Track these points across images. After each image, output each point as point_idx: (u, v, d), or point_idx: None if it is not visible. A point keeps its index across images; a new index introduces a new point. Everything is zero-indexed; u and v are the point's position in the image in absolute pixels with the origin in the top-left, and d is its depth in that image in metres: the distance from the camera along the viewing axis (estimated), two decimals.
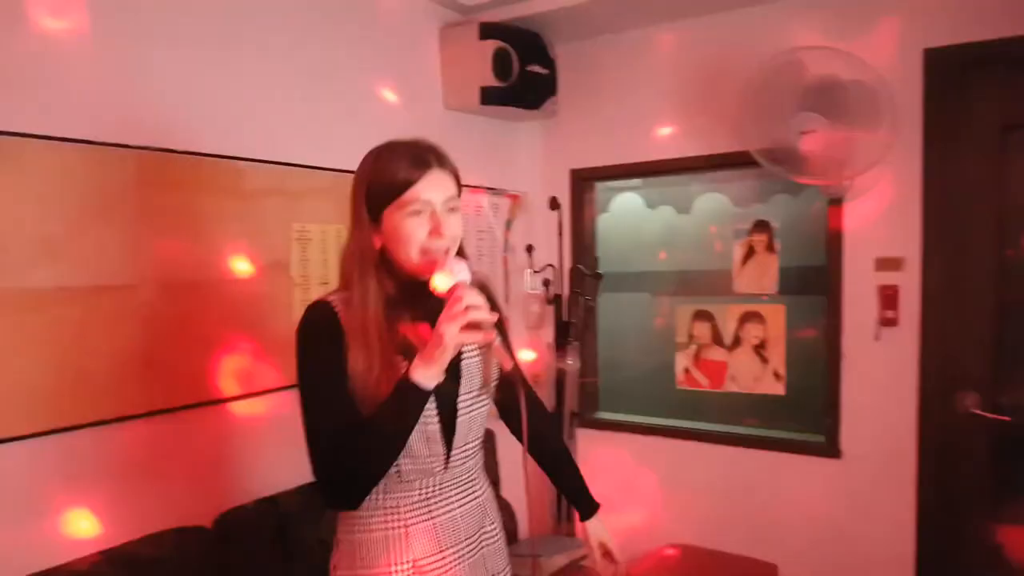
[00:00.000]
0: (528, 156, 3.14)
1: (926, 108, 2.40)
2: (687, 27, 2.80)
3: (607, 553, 1.56)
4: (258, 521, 1.99)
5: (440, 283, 1.18)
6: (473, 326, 1.14)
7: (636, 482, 3.01)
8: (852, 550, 2.59)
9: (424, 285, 1.21)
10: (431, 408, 1.25)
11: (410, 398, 1.17)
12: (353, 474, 1.21)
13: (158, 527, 1.81)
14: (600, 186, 3.16)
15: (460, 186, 1.30)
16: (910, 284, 2.46)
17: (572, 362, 2.81)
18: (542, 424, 1.52)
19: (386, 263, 1.26)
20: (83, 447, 1.70)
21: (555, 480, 1.60)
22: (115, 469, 1.77)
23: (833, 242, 2.58)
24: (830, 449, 2.62)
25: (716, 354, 2.87)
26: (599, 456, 3.08)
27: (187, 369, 1.92)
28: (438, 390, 1.21)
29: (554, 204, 2.78)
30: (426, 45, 2.71)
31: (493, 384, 1.39)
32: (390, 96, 2.54)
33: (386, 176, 1.24)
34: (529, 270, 3.04)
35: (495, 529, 1.44)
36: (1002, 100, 2.32)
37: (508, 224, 3.01)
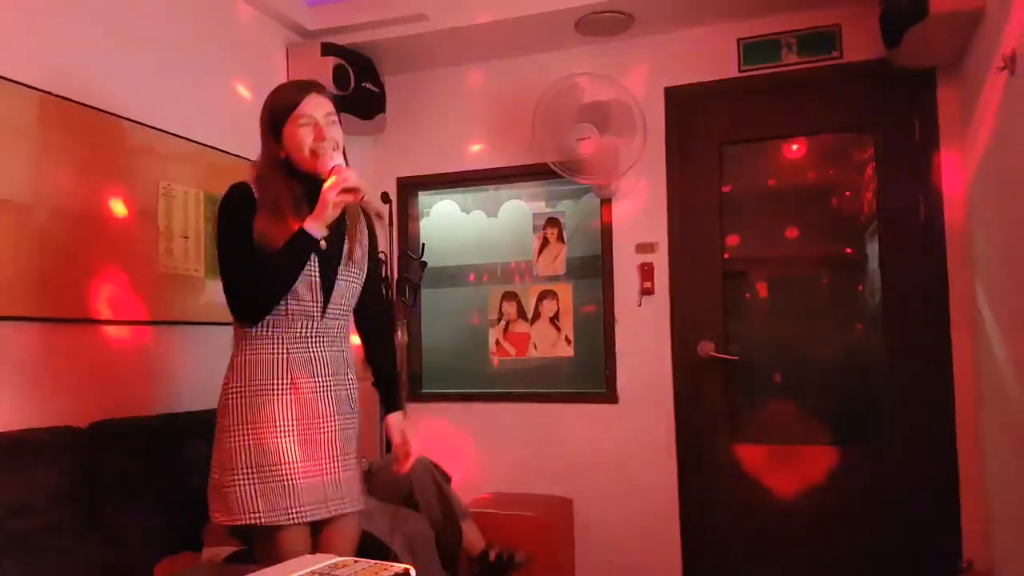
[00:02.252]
0: (360, 163, 3.74)
1: (667, 131, 3.36)
2: (492, 66, 3.63)
3: (405, 441, 1.99)
4: (126, 433, 2.29)
5: (323, 166, 1.74)
6: (348, 191, 1.70)
7: (456, 444, 3.57)
8: (630, 479, 3.32)
9: (318, 182, 1.75)
10: (314, 265, 1.77)
11: (301, 241, 1.71)
12: (255, 294, 1.72)
13: (37, 423, 2.08)
14: (422, 194, 3.83)
15: (336, 108, 1.87)
16: (661, 262, 3.36)
17: (400, 336, 3.36)
18: (380, 320, 2.09)
19: (290, 167, 1.81)
20: None
21: (377, 373, 2.07)
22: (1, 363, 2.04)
23: (605, 232, 3.44)
24: (610, 396, 3.38)
25: (521, 327, 3.59)
26: (424, 425, 3.59)
27: (73, 288, 2.24)
28: (322, 256, 1.76)
29: (385, 198, 3.38)
30: (275, 57, 3.28)
31: (362, 262, 1.92)
32: (245, 93, 3.06)
33: (280, 102, 1.81)
34: None
35: (353, 379, 1.93)
36: (720, 124, 3.33)
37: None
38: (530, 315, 3.59)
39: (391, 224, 3.46)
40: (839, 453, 3.08)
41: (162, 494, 2.34)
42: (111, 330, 2.39)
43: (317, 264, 1.78)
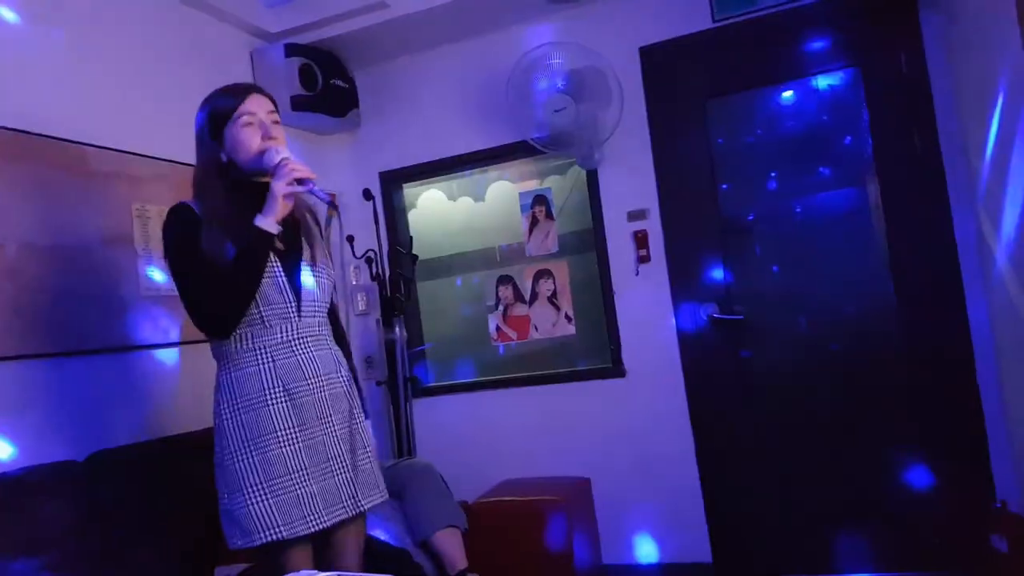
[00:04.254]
0: (339, 163, 3.79)
1: (647, 92, 3.36)
2: (462, 46, 3.64)
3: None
4: (127, 461, 2.37)
5: (270, 160, 1.77)
6: (295, 182, 1.73)
7: (467, 435, 3.63)
8: (647, 452, 3.35)
9: (263, 186, 1.78)
10: (277, 265, 1.79)
11: (254, 240, 1.73)
12: (220, 304, 1.73)
13: (35, 461, 2.15)
14: (406, 186, 3.87)
15: (276, 109, 1.90)
16: (655, 228, 3.36)
17: (399, 332, 3.41)
18: (337, 334, 2.06)
19: (233, 171, 1.83)
20: None
21: None
22: None
23: (594, 203, 3.46)
24: (617, 371, 3.41)
25: (519, 310, 3.63)
26: (433, 419, 3.66)
27: (52, 322, 2.31)
28: (282, 255, 1.80)
29: (367, 195, 3.42)
30: (240, 65, 3.32)
31: (325, 260, 1.95)
32: None
33: (220, 103, 1.83)
34: (353, 263, 3.63)
35: (347, 377, 1.95)
36: (701, 78, 3.31)
37: (328, 222, 3.60)
38: (528, 297, 3.62)
39: (376, 221, 3.50)
40: (855, 406, 3.08)
41: (168, 517, 2.40)
42: (99, 360, 2.46)
43: (279, 264, 1.81)
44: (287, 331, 1.81)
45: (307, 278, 1.87)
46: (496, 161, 3.67)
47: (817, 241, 3.22)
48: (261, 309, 1.78)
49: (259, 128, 1.80)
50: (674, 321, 3.33)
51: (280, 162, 1.75)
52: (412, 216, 3.87)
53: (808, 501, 3.14)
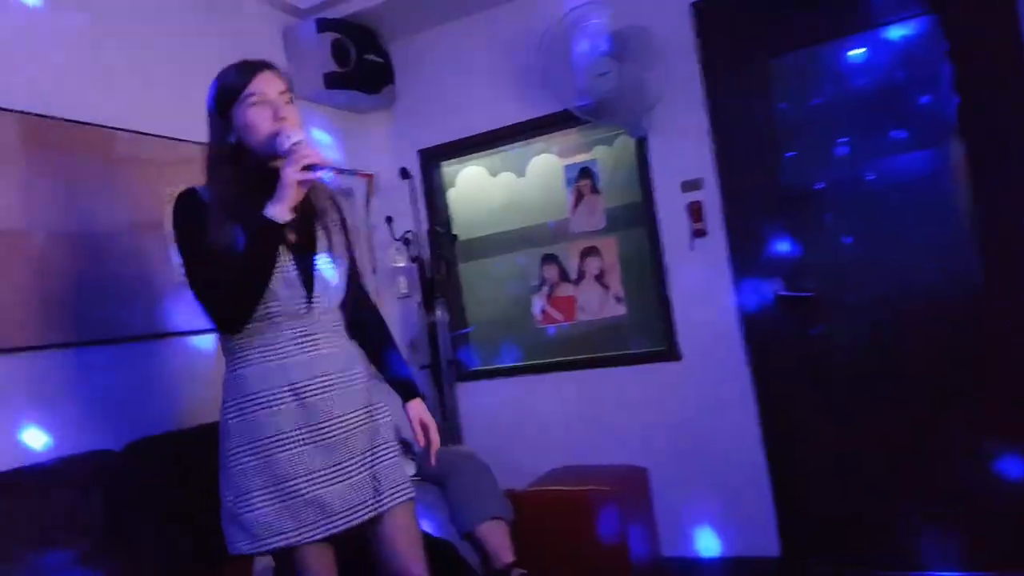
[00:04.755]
0: (377, 140, 3.70)
1: (701, 51, 3.14)
2: (499, 11, 3.48)
3: (426, 431, 1.90)
4: (162, 449, 2.33)
5: (281, 143, 1.61)
6: (307, 168, 1.58)
7: (515, 421, 3.51)
8: (708, 439, 3.16)
9: (274, 171, 1.62)
10: (288, 260, 1.65)
11: (263, 229, 1.58)
12: (228, 297, 1.61)
13: (69, 450, 2.12)
14: (445, 163, 3.74)
15: (290, 88, 1.74)
16: (712, 199, 3.16)
17: (441, 314, 3.31)
18: (367, 313, 1.93)
19: (243, 154, 1.68)
20: None
21: (381, 367, 1.93)
22: (25, 394, 2.09)
23: (644, 174, 3.27)
24: (671, 354, 3.23)
25: (565, 290, 3.48)
26: (478, 405, 3.56)
27: (84, 310, 2.27)
28: (294, 248, 1.66)
29: (405, 174, 3.32)
30: (271, 42, 3.24)
31: (341, 249, 1.80)
32: None
33: (228, 81, 1.69)
34: (394, 245, 3.54)
35: (363, 373, 1.80)
36: (766, 33, 3.06)
37: (367, 201, 3.52)
38: (573, 276, 3.46)
39: (415, 201, 3.39)
40: (938, 388, 2.84)
41: (201, 507, 2.33)
42: (136, 347, 2.42)
43: (290, 256, 1.67)
44: (296, 328, 1.69)
45: (320, 271, 1.73)
46: (539, 133, 3.51)
47: (892, 210, 2.93)
48: (269, 305, 1.65)
49: (269, 108, 1.66)
50: (734, 299, 3.13)
51: (291, 147, 1.60)
52: (451, 194, 3.75)
53: (887, 493, 2.90)
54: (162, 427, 2.39)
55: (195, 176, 2.63)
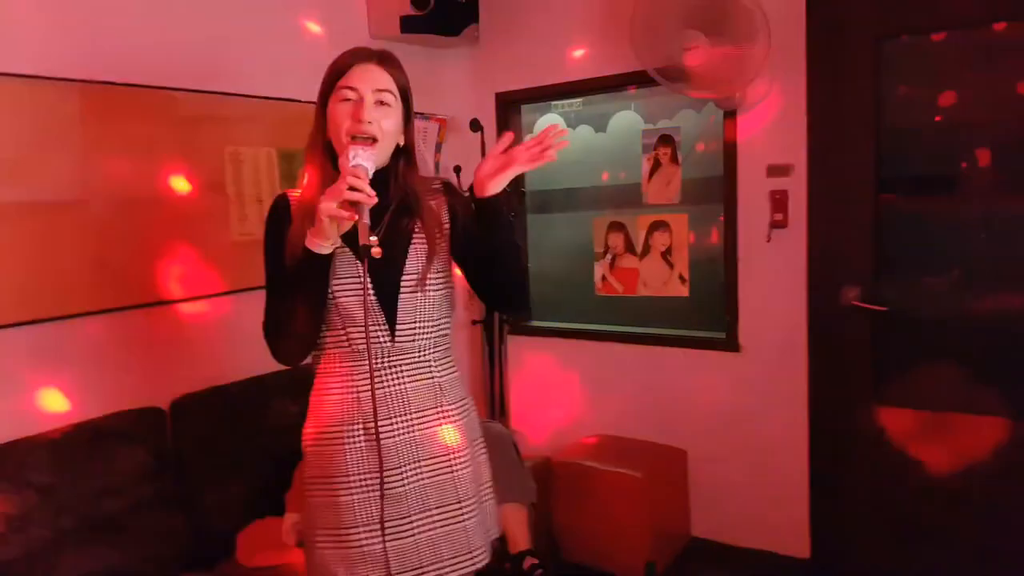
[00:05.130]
0: (455, 82, 3.56)
1: (809, 23, 2.81)
2: None
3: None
4: (208, 405, 2.50)
5: (343, 165, 1.37)
6: (347, 205, 1.32)
7: (561, 382, 3.54)
8: (752, 434, 3.10)
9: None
10: (366, 277, 1.43)
11: (304, 261, 1.39)
12: (277, 332, 1.48)
13: (119, 408, 2.30)
14: (524, 108, 3.58)
15: (402, 89, 1.51)
16: (798, 188, 2.91)
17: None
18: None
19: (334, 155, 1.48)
20: (50, 337, 2.19)
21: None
22: (79, 356, 2.26)
23: (729, 152, 3.03)
24: (730, 344, 3.11)
25: (629, 262, 3.36)
26: (528, 360, 3.59)
27: (138, 274, 2.39)
28: (374, 265, 1.39)
29: (475, 126, 3.20)
30: None
31: (436, 273, 1.55)
32: (315, 28, 2.94)
33: (331, 68, 1.50)
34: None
35: (455, 409, 1.59)
36: (874, 13, 2.71)
37: (438, 147, 3.45)
38: (639, 249, 3.33)
39: (483, 152, 3.28)
40: (1014, 428, 2.62)
41: (246, 461, 2.55)
42: (187, 307, 2.55)
43: (370, 276, 1.45)
44: (377, 357, 1.51)
45: (408, 290, 1.52)
46: (623, 87, 3.28)
47: (999, 230, 2.63)
48: (347, 329, 1.49)
49: (353, 107, 1.45)
50: (805, 299, 2.94)
51: (350, 167, 1.36)
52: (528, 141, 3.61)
53: (932, 526, 2.79)
54: (211, 382, 2.54)
55: (257, 132, 2.69)
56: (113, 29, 2.31)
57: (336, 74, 1.48)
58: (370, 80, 1.46)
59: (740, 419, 3.12)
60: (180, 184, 2.50)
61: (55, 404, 2.21)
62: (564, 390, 3.52)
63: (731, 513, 3.19)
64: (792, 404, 3.01)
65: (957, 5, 2.58)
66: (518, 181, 3.35)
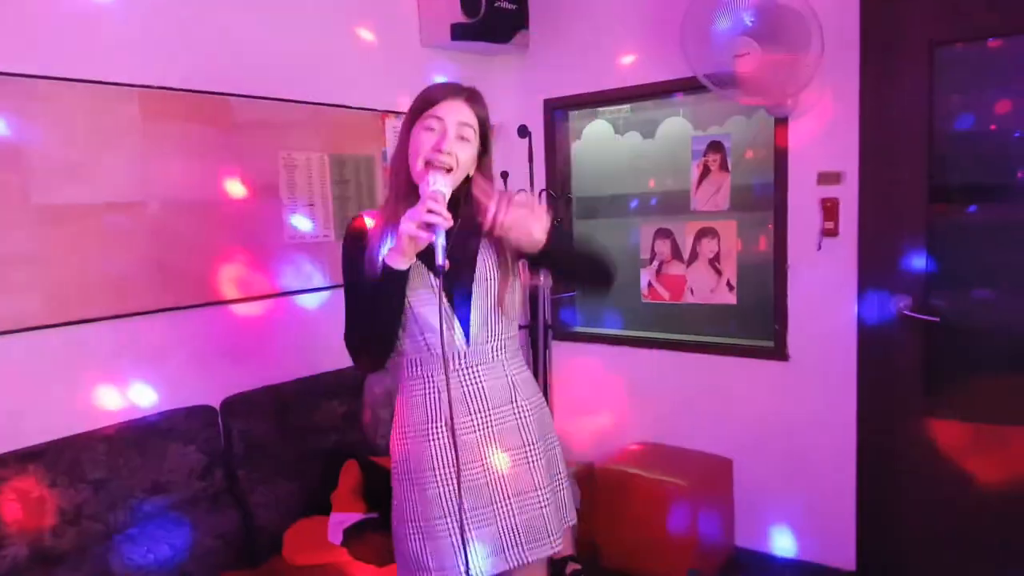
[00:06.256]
0: (503, 88, 3.56)
1: (863, 29, 2.75)
2: None
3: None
4: (258, 405, 2.54)
5: (422, 190, 1.49)
6: (426, 226, 1.43)
7: (605, 388, 3.51)
8: (799, 445, 3.04)
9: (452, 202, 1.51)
10: (439, 288, 1.51)
11: (384, 276, 1.50)
12: (358, 341, 1.61)
13: (173, 405, 2.36)
14: (573, 114, 3.57)
15: (483, 127, 1.60)
16: (849, 196, 2.85)
17: (544, 279, 3.27)
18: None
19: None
20: (108, 335, 2.25)
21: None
22: (135, 355, 2.32)
23: (779, 159, 2.98)
24: (778, 353, 3.06)
25: (676, 268, 3.32)
26: (573, 365, 3.58)
27: (193, 275, 2.44)
28: (447, 275, 1.47)
29: (523, 132, 3.19)
30: None
31: (502, 282, 1.65)
32: (367, 36, 2.97)
33: (422, 97, 1.59)
34: None
35: (530, 403, 1.70)
36: (930, 18, 2.65)
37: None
38: (686, 256, 3.29)
39: (531, 160, 3.28)
40: None
41: (294, 460, 2.59)
42: (241, 308, 2.60)
43: (442, 286, 1.52)
44: (454, 360, 1.63)
45: (479, 298, 1.63)
46: (673, 95, 3.25)
47: None
48: (426, 336, 1.61)
49: (436, 136, 1.54)
50: (856, 309, 2.87)
51: (429, 193, 1.47)
52: (575, 148, 3.60)
53: (985, 532, 2.70)
54: (263, 383, 2.59)
55: (311, 138, 2.72)
56: (171, 37, 2.37)
57: (426, 103, 1.57)
58: (455, 114, 1.56)
59: (787, 429, 3.07)
60: (235, 187, 2.54)
61: (111, 401, 2.27)
62: (609, 396, 3.50)
63: (776, 523, 3.13)
64: (840, 414, 2.94)
65: (1015, 11, 2.50)
66: (565, 187, 3.35)
